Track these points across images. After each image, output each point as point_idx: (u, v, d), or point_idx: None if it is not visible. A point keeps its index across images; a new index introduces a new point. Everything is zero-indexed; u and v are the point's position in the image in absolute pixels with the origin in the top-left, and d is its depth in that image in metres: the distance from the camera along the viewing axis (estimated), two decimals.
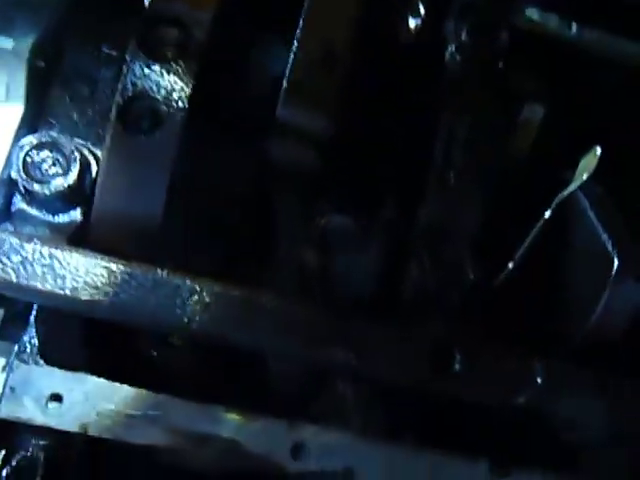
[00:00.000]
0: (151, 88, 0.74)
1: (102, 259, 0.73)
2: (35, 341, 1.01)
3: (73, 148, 0.78)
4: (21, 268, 0.72)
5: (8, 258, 0.72)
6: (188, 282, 0.74)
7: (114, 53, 0.82)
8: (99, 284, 0.73)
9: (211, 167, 0.83)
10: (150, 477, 1.10)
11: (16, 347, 0.99)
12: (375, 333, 0.82)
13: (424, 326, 0.85)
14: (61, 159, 0.78)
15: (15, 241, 0.72)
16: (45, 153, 0.78)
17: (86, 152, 0.79)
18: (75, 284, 0.72)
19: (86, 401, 0.99)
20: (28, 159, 0.77)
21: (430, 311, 0.93)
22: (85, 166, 0.78)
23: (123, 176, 0.74)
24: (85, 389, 1.00)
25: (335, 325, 0.78)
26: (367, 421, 1.08)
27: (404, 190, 0.93)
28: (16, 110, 0.79)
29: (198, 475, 1.09)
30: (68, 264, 0.72)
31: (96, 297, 0.73)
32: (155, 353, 0.98)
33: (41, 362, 1.00)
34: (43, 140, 0.78)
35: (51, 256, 0.72)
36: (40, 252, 0.72)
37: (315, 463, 1.04)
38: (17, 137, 0.79)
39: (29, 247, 0.72)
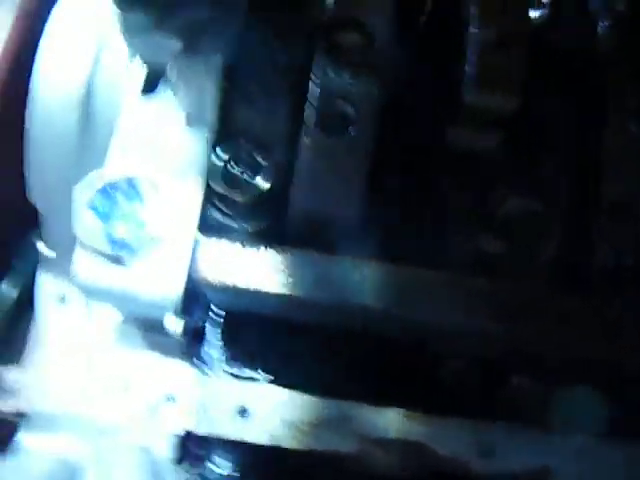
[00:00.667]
0: (340, 92, 0.76)
1: (316, 258, 0.74)
2: (220, 355, 1.03)
3: (263, 156, 0.81)
4: (232, 272, 0.74)
5: (217, 264, 0.74)
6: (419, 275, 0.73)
7: (292, 62, 0.85)
8: (314, 283, 0.74)
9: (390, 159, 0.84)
10: None
11: (201, 362, 1.01)
12: (577, 309, 0.79)
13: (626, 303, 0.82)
14: (254, 167, 0.81)
15: (221, 247, 0.74)
16: (239, 163, 0.81)
17: (274, 159, 0.82)
18: (289, 283, 0.74)
19: (274, 413, 1.01)
20: (222, 170, 0.81)
21: (621, 290, 0.89)
22: (276, 172, 0.81)
23: (319, 177, 0.76)
24: (272, 401, 1.01)
25: (539, 301, 0.76)
26: (552, 415, 1.04)
27: (583, 168, 0.91)
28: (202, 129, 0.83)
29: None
30: (279, 265, 0.74)
31: (315, 297, 0.74)
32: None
33: (227, 376, 1.02)
34: (235, 150, 0.81)
35: (260, 258, 0.74)
36: (247, 255, 0.74)
37: (505, 463, 1.01)
38: (208, 151, 0.83)
39: (236, 251, 0.73)
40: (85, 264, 0.80)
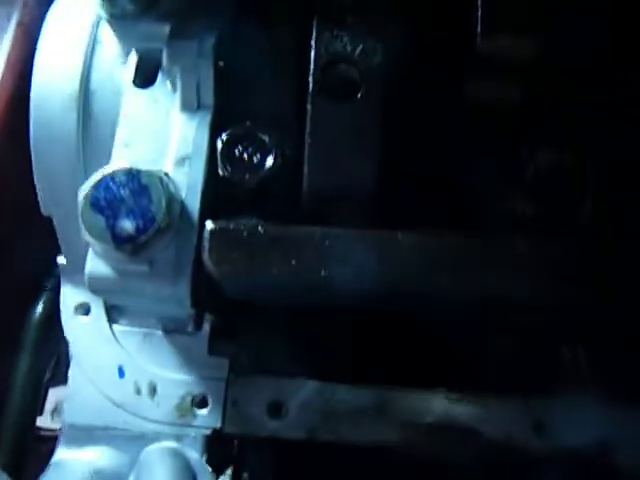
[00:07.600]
0: (344, 54, 0.70)
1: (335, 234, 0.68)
2: (248, 352, 0.99)
3: (268, 135, 0.76)
4: (252, 258, 0.69)
5: (227, 252, 0.69)
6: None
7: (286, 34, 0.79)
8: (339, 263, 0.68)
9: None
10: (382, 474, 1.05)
11: (229, 360, 0.98)
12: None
13: None
14: (260, 147, 0.76)
15: (239, 232, 0.69)
16: (244, 144, 0.76)
17: (278, 137, 0.77)
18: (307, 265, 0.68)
19: (309, 406, 0.96)
20: (229, 153, 0.76)
21: None
22: (282, 150, 0.76)
23: (330, 149, 0.71)
24: (306, 394, 0.96)
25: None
26: (605, 385, 0.96)
27: (625, 115, 0.82)
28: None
29: (435, 467, 1.02)
30: (297, 244, 0.68)
31: (341, 278, 0.69)
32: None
33: (257, 372, 0.98)
34: (239, 132, 0.77)
35: (282, 238, 0.68)
36: (268, 237, 0.68)
37: (561, 439, 0.94)
38: (212, 135, 0.78)
39: (254, 235, 0.69)
40: (96, 264, 0.76)
